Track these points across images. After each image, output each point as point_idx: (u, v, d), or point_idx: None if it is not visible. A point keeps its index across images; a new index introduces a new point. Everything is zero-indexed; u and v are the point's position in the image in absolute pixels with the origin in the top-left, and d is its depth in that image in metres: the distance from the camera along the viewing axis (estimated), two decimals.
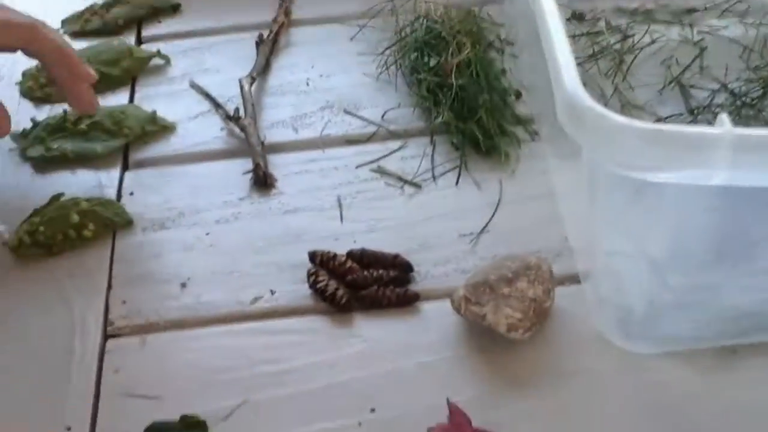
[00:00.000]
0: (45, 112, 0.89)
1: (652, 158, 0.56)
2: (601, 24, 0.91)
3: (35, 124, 0.86)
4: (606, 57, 0.87)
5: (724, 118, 0.61)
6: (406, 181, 0.81)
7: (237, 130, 0.87)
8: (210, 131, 0.87)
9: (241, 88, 0.89)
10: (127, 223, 0.79)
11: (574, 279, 0.72)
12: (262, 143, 0.85)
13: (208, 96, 0.90)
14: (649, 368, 0.65)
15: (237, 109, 0.87)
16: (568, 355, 0.67)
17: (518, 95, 0.87)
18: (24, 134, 0.86)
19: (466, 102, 0.85)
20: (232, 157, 0.85)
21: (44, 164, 0.84)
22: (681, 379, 0.65)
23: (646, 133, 0.55)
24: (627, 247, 0.70)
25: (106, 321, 0.72)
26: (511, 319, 0.66)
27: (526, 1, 0.73)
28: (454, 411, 0.61)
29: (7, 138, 0.86)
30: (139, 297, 0.74)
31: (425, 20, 0.92)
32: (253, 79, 0.90)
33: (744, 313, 0.67)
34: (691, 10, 0.91)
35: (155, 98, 0.91)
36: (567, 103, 0.57)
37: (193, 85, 0.91)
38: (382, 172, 0.82)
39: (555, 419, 0.63)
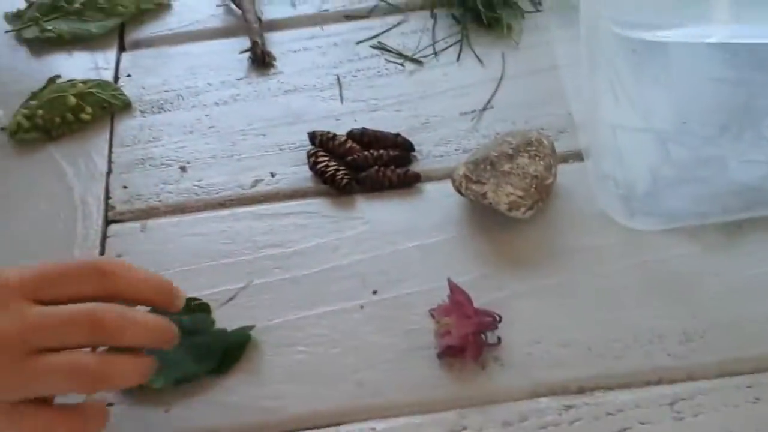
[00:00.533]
0: None
1: (648, 13, 0.55)
2: None
3: (29, 3, 0.85)
4: None
5: None
6: (406, 57, 0.80)
7: (234, 6, 0.85)
8: (206, 9, 0.86)
9: None
10: (125, 105, 0.79)
11: (577, 156, 0.71)
12: (260, 20, 0.83)
13: None
14: (651, 245, 0.65)
15: None
16: (570, 233, 0.66)
17: None
18: (18, 15, 0.85)
19: None
20: (229, 35, 0.84)
21: (40, 46, 0.83)
22: (684, 256, 0.64)
23: None
24: (630, 120, 0.69)
25: (107, 206, 0.72)
26: (512, 197, 0.66)
27: None
28: (454, 290, 0.61)
29: (1, 19, 0.85)
30: (139, 181, 0.73)
31: None
32: None
33: (748, 187, 0.66)
34: None
35: None
36: None
37: None
38: (382, 48, 0.81)
39: (556, 297, 0.63)
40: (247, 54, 0.81)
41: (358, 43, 0.81)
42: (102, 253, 0.69)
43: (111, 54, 0.82)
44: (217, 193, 0.72)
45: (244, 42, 0.82)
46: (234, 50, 0.82)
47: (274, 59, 0.81)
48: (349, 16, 0.83)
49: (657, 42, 0.61)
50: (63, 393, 0.54)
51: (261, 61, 0.80)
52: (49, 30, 0.83)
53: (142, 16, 0.85)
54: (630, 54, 0.66)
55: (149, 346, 0.55)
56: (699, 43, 0.63)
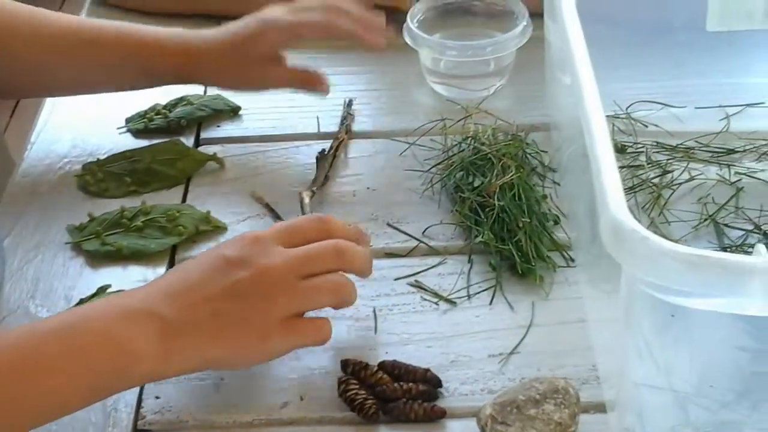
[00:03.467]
0: (101, 207, 0.92)
1: (690, 283, 0.57)
2: (642, 158, 0.93)
3: (92, 218, 0.90)
4: (644, 190, 0.89)
5: (761, 248, 0.63)
6: (441, 297, 0.83)
7: None
8: None
9: (301, 201, 0.90)
10: None
11: (599, 408, 0.73)
12: None
13: (268, 207, 0.92)
14: None
15: None
16: None
17: (557, 221, 0.89)
18: (80, 228, 0.90)
19: (506, 224, 0.87)
20: None
21: (98, 258, 0.88)
22: None
23: (687, 257, 0.56)
24: (654, 379, 0.70)
25: (138, 415, 0.74)
26: None
27: (574, 128, 0.75)
28: None
29: (63, 231, 0.90)
30: (172, 393, 0.76)
31: (473, 141, 0.95)
32: (312, 193, 0.92)
33: None
34: (730, 151, 0.94)
35: (207, 198, 0.94)
36: (611, 223, 0.60)
37: (256, 197, 0.94)
38: (418, 286, 0.85)
39: None
40: None
41: (396, 279, 0.85)
42: None
43: (161, 269, 0.87)
44: (247, 412, 0.74)
45: None
46: None
47: None
48: (390, 254, 0.88)
49: (683, 307, 0.64)
50: (323, 306, 0.75)
51: None
52: (109, 244, 0.88)
53: (197, 236, 0.89)
54: (664, 316, 0.69)
55: (363, 272, 0.78)
56: (722, 313, 0.65)
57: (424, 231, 0.90)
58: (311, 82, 0.98)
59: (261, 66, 0.96)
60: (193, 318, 0.69)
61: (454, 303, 0.83)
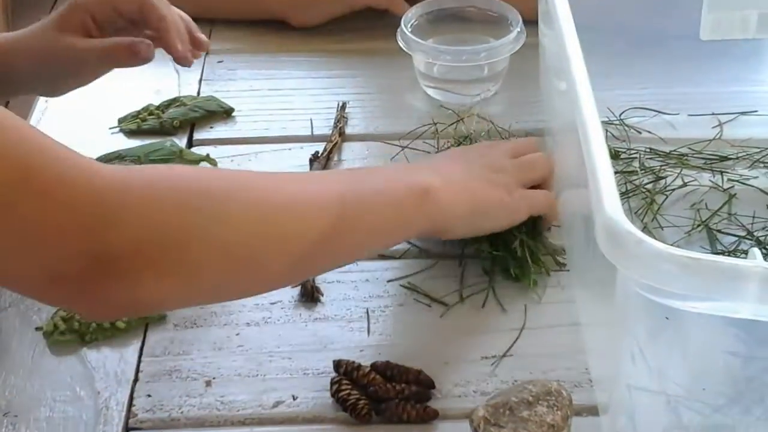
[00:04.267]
0: None
1: (685, 286, 0.57)
2: (635, 164, 0.93)
3: None
4: (638, 196, 0.90)
5: (756, 252, 0.63)
6: (434, 299, 0.83)
7: None
8: None
9: None
10: (160, 317, 0.82)
11: (591, 410, 0.73)
12: None
13: None
14: None
15: None
16: None
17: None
18: None
19: None
20: None
21: None
22: None
23: (682, 260, 0.56)
24: (647, 382, 0.71)
25: (129, 413, 0.74)
26: None
27: (569, 133, 0.76)
28: None
29: None
30: (164, 392, 0.75)
31: (467, 144, 0.95)
32: None
33: None
34: (723, 158, 0.94)
35: None
36: (607, 226, 0.59)
37: None
38: (411, 288, 0.85)
39: None
40: (298, 288, 0.84)
41: (389, 281, 0.85)
42: None
43: None
44: (238, 411, 0.74)
45: None
46: None
47: (322, 294, 0.84)
48: (383, 256, 0.87)
49: (677, 309, 0.64)
50: (537, 179, 0.87)
51: (310, 295, 0.84)
52: None
53: None
54: (658, 320, 0.69)
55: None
56: (715, 316, 0.66)
57: None
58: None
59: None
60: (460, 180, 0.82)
61: (446, 305, 0.83)
